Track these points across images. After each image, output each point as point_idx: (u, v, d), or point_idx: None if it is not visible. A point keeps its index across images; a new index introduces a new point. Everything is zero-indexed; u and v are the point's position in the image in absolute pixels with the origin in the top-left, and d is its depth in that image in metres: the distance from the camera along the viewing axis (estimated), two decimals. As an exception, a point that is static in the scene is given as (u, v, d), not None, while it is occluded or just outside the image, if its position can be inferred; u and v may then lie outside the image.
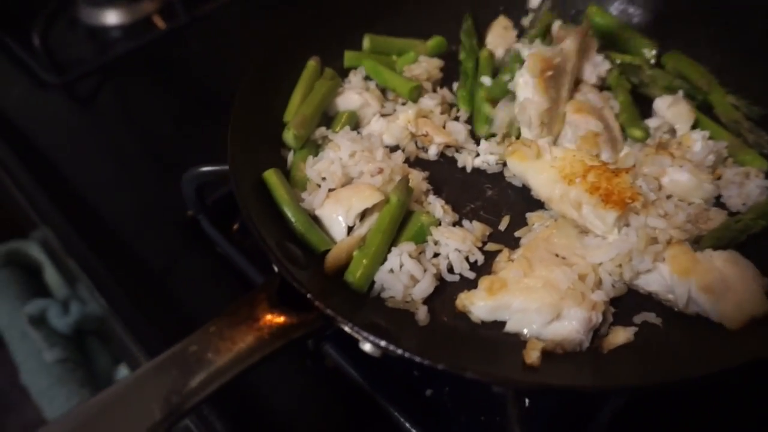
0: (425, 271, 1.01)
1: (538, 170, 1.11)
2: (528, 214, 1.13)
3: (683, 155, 1.13)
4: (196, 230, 1.39)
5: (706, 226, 1.07)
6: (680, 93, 1.26)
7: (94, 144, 1.67)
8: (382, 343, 0.78)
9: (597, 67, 1.33)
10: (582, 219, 1.05)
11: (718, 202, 1.13)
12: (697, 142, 1.14)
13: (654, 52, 1.37)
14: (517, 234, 1.10)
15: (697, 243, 1.04)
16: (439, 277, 1.04)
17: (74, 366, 1.75)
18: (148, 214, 1.47)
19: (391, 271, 1.00)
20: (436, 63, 1.36)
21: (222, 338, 0.74)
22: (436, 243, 1.06)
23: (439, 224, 1.09)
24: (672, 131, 1.22)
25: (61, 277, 1.91)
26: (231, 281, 1.32)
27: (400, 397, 1.08)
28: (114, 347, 1.89)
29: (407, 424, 1.05)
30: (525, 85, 1.18)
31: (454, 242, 1.04)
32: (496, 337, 0.97)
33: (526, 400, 0.96)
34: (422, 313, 0.98)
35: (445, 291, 1.03)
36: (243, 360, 0.74)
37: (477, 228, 1.09)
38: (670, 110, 1.22)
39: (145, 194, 1.52)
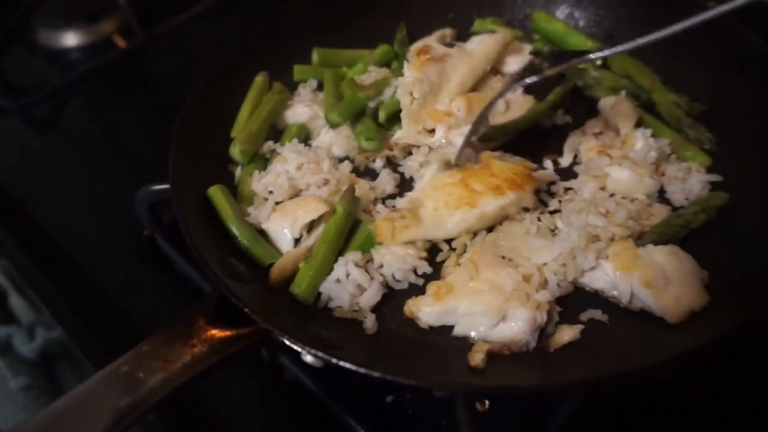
0: (372, 279, 1.02)
1: (438, 219, 1.08)
2: None
3: (625, 154, 1.15)
4: (153, 249, 1.38)
5: (648, 222, 1.08)
6: (623, 93, 1.29)
7: (51, 168, 1.66)
8: (320, 354, 0.79)
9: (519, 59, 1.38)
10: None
11: (663, 198, 1.15)
12: (639, 141, 1.15)
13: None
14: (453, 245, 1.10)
15: (640, 239, 1.05)
16: (386, 285, 1.04)
17: (39, 393, 1.72)
18: (106, 236, 1.46)
19: (338, 281, 1.00)
20: (384, 72, 1.37)
21: (155, 357, 0.74)
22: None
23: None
24: (616, 130, 1.24)
25: (26, 303, 1.88)
26: (190, 299, 1.31)
27: (360, 406, 1.08)
28: (83, 371, 1.87)
29: (368, 433, 1.04)
30: (405, 69, 1.24)
31: (396, 263, 1.04)
32: (445, 342, 0.98)
33: (487, 403, 0.97)
34: (370, 322, 0.98)
35: (393, 298, 1.04)
36: (176, 378, 0.74)
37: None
38: (613, 110, 1.24)
39: (103, 216, 1.51)
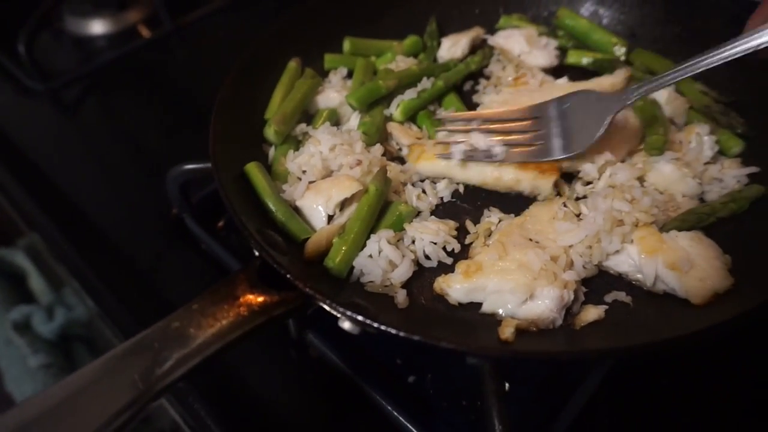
0: (403, 256, 1.04)
1: (452, 162, 1.17)
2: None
3: (682, 150, 1.17)
4: (182, 229, 1.41)
5: (674, 213, 1.10)
6: (672, 87, 1.28)
7: (79, 149, 1.70)
8: (360, 318, 0.81)
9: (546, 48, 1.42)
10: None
11: (701, 200, 1.15)
12: (694, 139, 1.17)
13: (624, 49, 1.42)
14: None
15: (663, 227, 1.07)
16: (417, 263, 1.07)
17: (59, 371, 1.75)
18: (134, 215, 1.50)
19: (371, 256, 1.03)
20: (412, 62, 1.40)
21: (204, 315, 0.77)
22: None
23: (418, 214, 1.12)
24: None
25: (46, 284, 1.91)
26: (217, 278, 1.33)
27: (383, 383, 1.11)
28: (100, 351, 1.89)
29: (391, 409, 1.07)
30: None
31: (429, 236, 1.07)
32: (473, 318, 1.00)
33: (507, 386, 0.99)
34: (401, 296, 1.01)
35: (423, 275, 1.06)
36: (224, 335, 0.77)
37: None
38: (670, 105, 1.25)
39: (131, 196, 1.55)
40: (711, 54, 1.00)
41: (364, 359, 1.15)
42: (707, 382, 1.09)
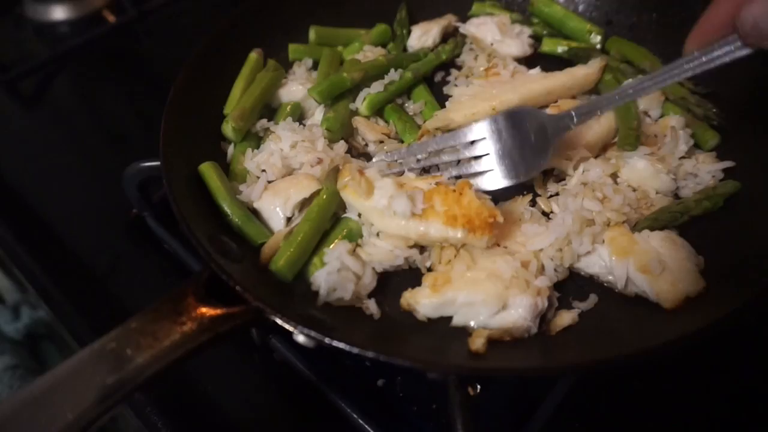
0: (364, 266, 0.99)
1: (375, 210, 1.01)
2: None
3: (657, 145, 1.13)
4: (143, 229, 1.35)
5: (648, 211, 1.07)
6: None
7: (38, 144, 1.62)
8: (312, 334, 0.77)
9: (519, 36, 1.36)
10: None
11: (676, 196, 1.12)
12: (668, 134, 1.13)
13: (599, 37, 1.38)
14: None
15: (636, 226, 1.04)
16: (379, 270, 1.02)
17: (25, 372, 1.70)
18: (93, 215, 1.43)
19: (336, 271, 0.97)
20: (380, 52, 1.34)
21: (143, 334, 0.72)
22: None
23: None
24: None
25: (11, 282, 1.85)
26: (179, 279, 1.29)
27: (350, 388, 1.07)
28: (69, 351, 1.85)
29: (356, 416, 1.03)
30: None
31: (387, 261, 1.01)
32: (443, 329, 0.96)
33: (478, 387, 0.96)
34: (372, 307, 0.96)
35: (389, 284, 1.02)
36: (165, 355, 0.72)
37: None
38: (644, 98, 1.21)
39: (91, 193, 1.48)
40: (656, 77, 0.98)
41: (331, 362, 1.11)
42: (681, 385, 1.06)
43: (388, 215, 0.99)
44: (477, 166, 1.07)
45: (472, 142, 1.06)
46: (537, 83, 1.22)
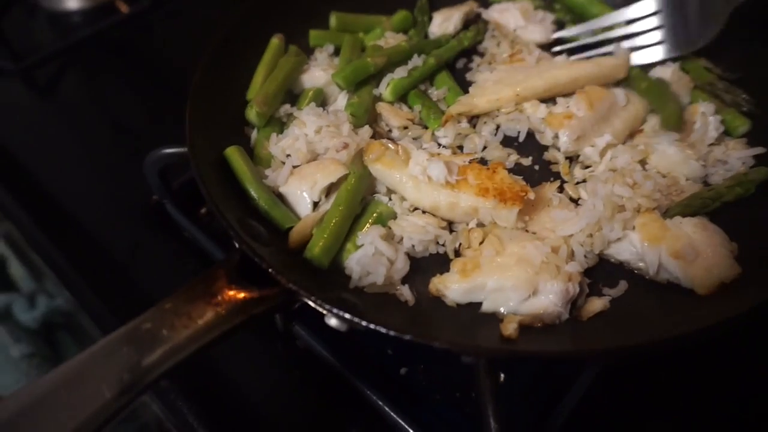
0: (397, 251, 0.98)
1: (408, 178, 1.02)
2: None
3: (687, 131, 1.11)
4: (162, 215, 1.35)
5: (678, 198, 1.05)
6: (677, 65, 1.23)
7: (54, 132, 1.62)
8: (347, 316, 0.76)
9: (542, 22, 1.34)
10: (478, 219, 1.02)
11: (705, 183, 1.10)
12: (698, 120, 1.11)
13: (625, 24, 1.35)
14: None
15: (667, 212, 1.03)
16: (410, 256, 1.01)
17: (42, 361, 1.70)
18: (113, 202, 1.43)
19: (368, 255, 0.96)
20: (402, 39, 1.33)
21: (177, 315, 0.72)
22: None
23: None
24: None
25: (27, 271, 1.85)
26: (199, 266, 1.29)
27: (373, 376, 1.06)
28: (85, 340, 1.84)
29: (380, 403, 1.03)
30: None
31: (417, 235, 1.00)
32: (473, 314, 0.95)
33: (501, 375, 0.95)
34: (406, 292, 0.95)
35: (419, 270, 1.01)
36: (200, 336, 0.72)
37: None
38: (674, 85, 1.18)
39: (109, 181, 1.48)
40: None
41: (354, 350, 1.10)
42: (707, 374, 1.05)
43: (422, 183, 0.99)
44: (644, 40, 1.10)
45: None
46: (563, 70, 1.21)
